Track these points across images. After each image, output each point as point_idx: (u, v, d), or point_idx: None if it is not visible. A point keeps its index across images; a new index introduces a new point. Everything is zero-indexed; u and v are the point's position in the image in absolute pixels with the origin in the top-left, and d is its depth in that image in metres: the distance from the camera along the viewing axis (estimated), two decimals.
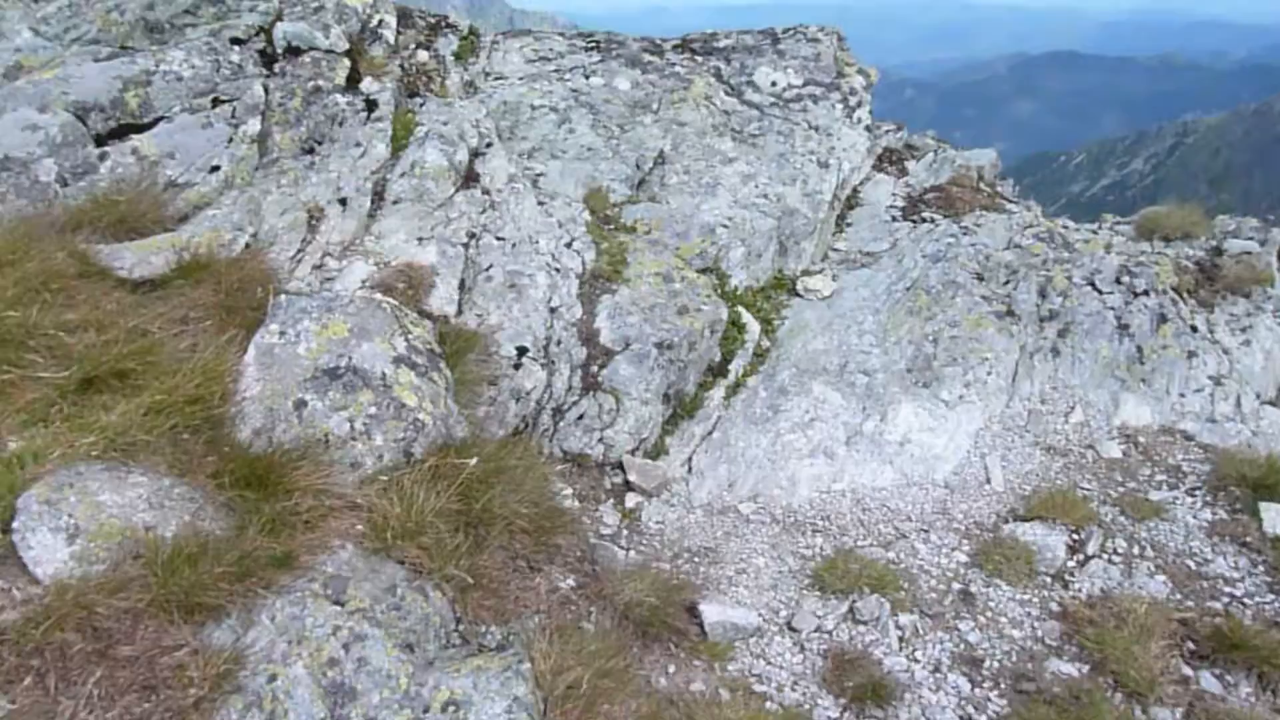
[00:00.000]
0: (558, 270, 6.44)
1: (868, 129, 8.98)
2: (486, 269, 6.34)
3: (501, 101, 8.03)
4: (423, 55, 8.40)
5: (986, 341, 6.62)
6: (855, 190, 8.59)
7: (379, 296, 5.47)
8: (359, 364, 4.84)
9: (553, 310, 6.19)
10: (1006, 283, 7.12)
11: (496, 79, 8.67)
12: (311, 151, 7.10)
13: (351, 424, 4.61)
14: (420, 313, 5.83)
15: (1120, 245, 7.69)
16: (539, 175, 7.41)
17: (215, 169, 6.78)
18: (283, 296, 5.17)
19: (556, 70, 8.67)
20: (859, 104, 9.10)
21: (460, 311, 5.99)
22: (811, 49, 9.41)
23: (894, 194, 8.54)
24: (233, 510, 4.25)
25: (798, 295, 7.32)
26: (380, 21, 8.16)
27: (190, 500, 4.21)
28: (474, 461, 4.77)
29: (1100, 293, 6.95)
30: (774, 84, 9.08)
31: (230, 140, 6.92)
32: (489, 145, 7.46)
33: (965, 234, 7.65)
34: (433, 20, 8.91)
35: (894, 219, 8.19)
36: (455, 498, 4.65)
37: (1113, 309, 6.84)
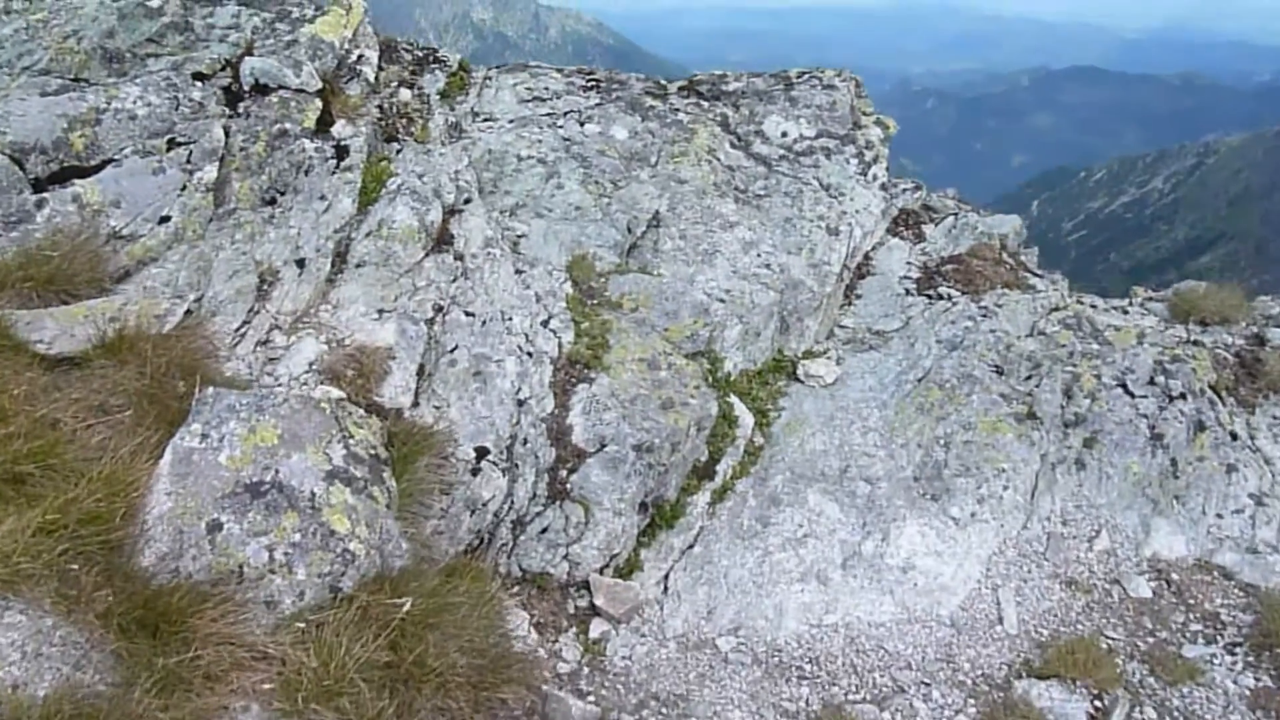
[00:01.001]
0: (530, 355, 5.80)
1: (884, 188, 8.32)
2: (450, 351, 5.71)
3: (486, 150, 7.39)
4: (405, 94, 7.77)
5: (1004, 449, 5.96)
6: (867, 257, 7.93)
7: (318, 394, 4.85)
8: (286, 479, 4.23)
9: (521, 403, 5.56)
10: (1029, 377, 6.46)
11: (485, 121, 8.03)
12: (273, 203, 6.49)
13: (271, 553, 4.00)
14: (369, 406, 5.20)
15: (1154, 333, 7.02)
16: (520, 237, 6.77)
17: (165, 220, 6.19)
18: (210, 390, 4.56)
19: (550, 114, 8.03)
20: (875, 159, 8.44)
21: (416, 403, 5.36)
22: (827, 97, 8.75)
23: (909, 263, 7.88)
24: (122, 661, 3.64)
25: (798, 380, 6.67)
26: (360, 57, 7.53)
27: (74, 647, 3.61)
28: (407, 605, 4.16)
29: (1132, 396, 6.28)
30: (784, 134, 8.42)
31: (184, 188, 6.32)
32: (467, 201, 6.82)
33: (985, 317, 6.99)
34: (420, 54, 8.28)
35: (908, 292, 7.53)
36: (384, 647, 4.05)
37: (1145, 416, 6.17)
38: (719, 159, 7.83)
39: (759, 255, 7.07)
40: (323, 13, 7.41)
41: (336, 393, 5.20)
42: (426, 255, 6.28)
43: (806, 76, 9.13)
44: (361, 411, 4.99)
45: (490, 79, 8.63)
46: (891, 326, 7.20)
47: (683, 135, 7.98)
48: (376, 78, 7.62)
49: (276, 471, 4.25)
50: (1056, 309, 7.21)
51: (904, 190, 8.54)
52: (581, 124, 7.89)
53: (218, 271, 6.02)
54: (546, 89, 8.51)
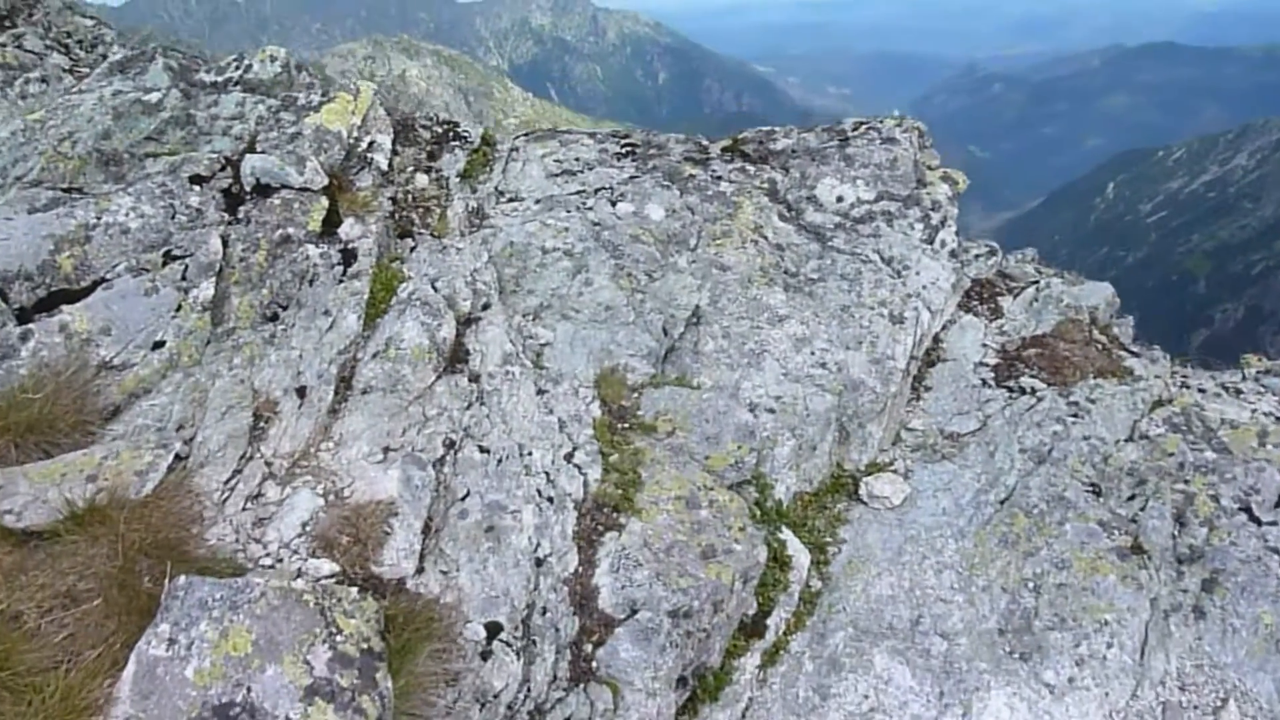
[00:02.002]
0: (551, 500, 5.11)
1: (953, 255, 7.45)
2: (461, 499, 5.04)
3: (508, 242, 6.72)
4: (422, 180, 7.15)
5: (1106, 594, 5.08)
6: (937, 339, 7.08)
7: (301, 584, 4.22)
8: (259, 700, 3.62)
9: (540, 562, 4.87)
10: (1132, 498, 5.56)
11: (510, 201, 7.37)
12: (274, 319, 5.92)
13: None
14: (366, 580, 4.56)
15: (1278, 431, 6.05)
16: (544, 345, 6.08)
17: (158, 345, 5.67)
18: (182, 580, 3.98)
19: (579, 191, 7.33)
20: (943, 221, 7.58)
21: (421, 568, 4.70)
22: (886, 153, 7.90)
23: (984, 344, 7.01)
24: None
25: (861, 502, 5.87)
26: (371, 144, 6.93)
27: None
28: None
29: (1259, 523, 5.35)
30: (840, 199, 7.61)
31: (179, 308, 5.80)
32: (486, 307, 6.17)
33: (1075, 418, 6.10)
34: (440, 130, 7.65)
35: (984, 383, 6.67)
36: None
37: (1275, 550, 5.24)
38: (766, 237, 7.05)
39: (813, 353, 6.28)
40: (329, 99, 6.83)
41: (328, 568, 4.59)
42: (438, 378, 5.64)
43: (863, 129, 8.29)
44: (354, 594, 4.35)
45: (517, 150, 7.97)
46: (967, 428, 6.35)
47: (725, 211, 7.22)
48: (390, 165, 7.02)
49: (248, 690, 3.64)
50: (1160, 403, 6.29)
51: (976, 256, 7.66)
52: (614, 203, 7.18)
53: (213, 405, 5.46)
54: (577, 159, 7.83)
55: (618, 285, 6.42)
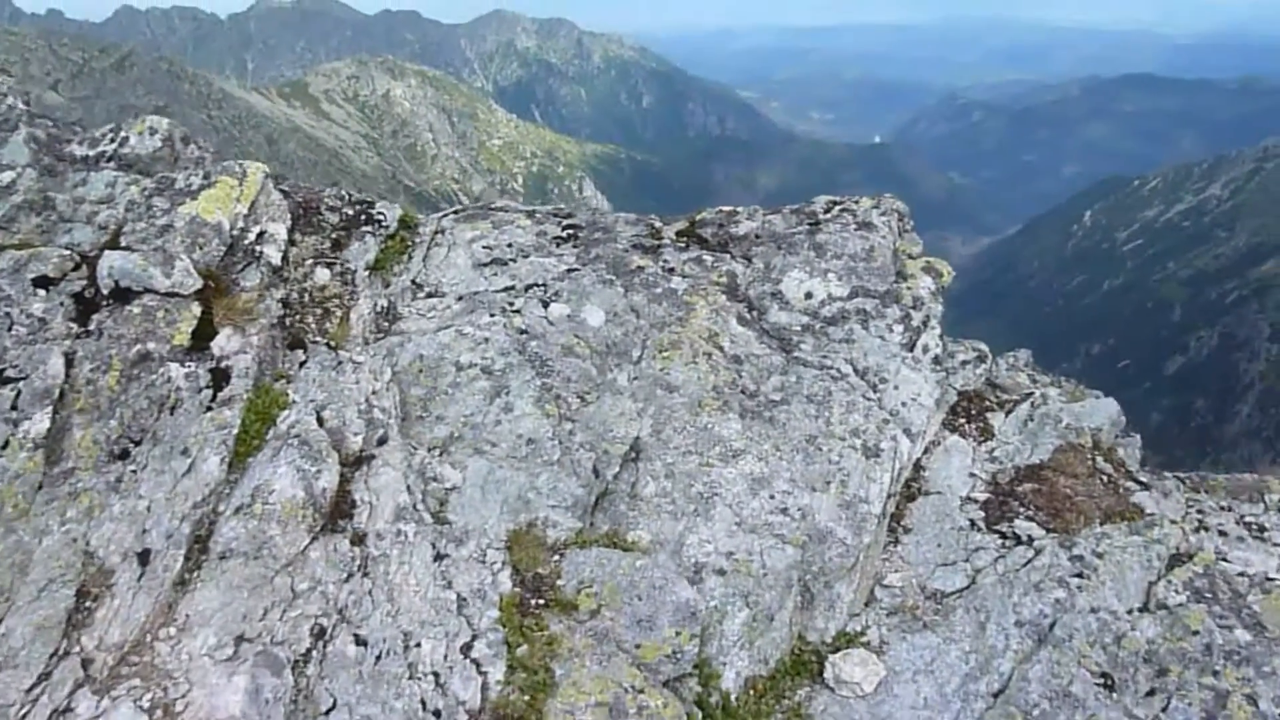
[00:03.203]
0: (438, 715, 4.09)
1: (937, 362, 6.51)
2: (325, 713, 4.02)
3: (417, 356, 5.72)
4: (323, 275, 6.15)
5: None
6: (918, 466, 6.12)
7: None
8: None
9: None
10: (1151, 693, 4.60)
11: (428, 296, 6.39)
12: (124, 456, 4.92)
13: None
14: None
15: None
16: (450, 490, 5.08)
17: None
18: None
19: (509, 288, 6.35)
20: (926, 322, 6.65)
21: None
22: (862, 241, 6.97)
23: (973, 474, 6.05)
24: None
25: (826, 687, 4.87)
26: (260, 235, 5.93)
27: None
28: None
29: None
30: (808, 296, 6.67)
31: (4, 445, 4.79)
32: (382, 441, 5.17)
33: (1080, 579, 5.14)
34: (351, 211, 6.65)
35: (973, 525, 5.71)
36: None
37: None
38: (722, 347, 6.08)
39: (772, 496, 5.31)
40: (210, 184, 5.83)
41: None
42: (314, 539, 4.62)
43: (836, 211, 7.36)
44: None
45: (443, 233, 6.98)
46: (953, 585, 5.38)
47: (676, 314, 6.26)
48: (284, 258, 6.02)
49: None
50: (1179, 558, 5.34)
51: (963, 363, 6.71)
52: (546, 303, 6.19)
53: (33, 575, 4.47)
54: (510, 245, 6.85)
55: (543, 411, 5.42)
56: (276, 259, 5.91)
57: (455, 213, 7.31)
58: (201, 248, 5.56)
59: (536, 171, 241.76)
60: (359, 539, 4.70)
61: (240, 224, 5.81)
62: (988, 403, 6.56)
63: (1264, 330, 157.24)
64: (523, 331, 5.92)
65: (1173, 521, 5.65)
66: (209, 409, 5.07)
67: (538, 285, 6.34)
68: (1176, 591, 5.09)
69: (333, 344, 5.76)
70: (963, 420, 6.43)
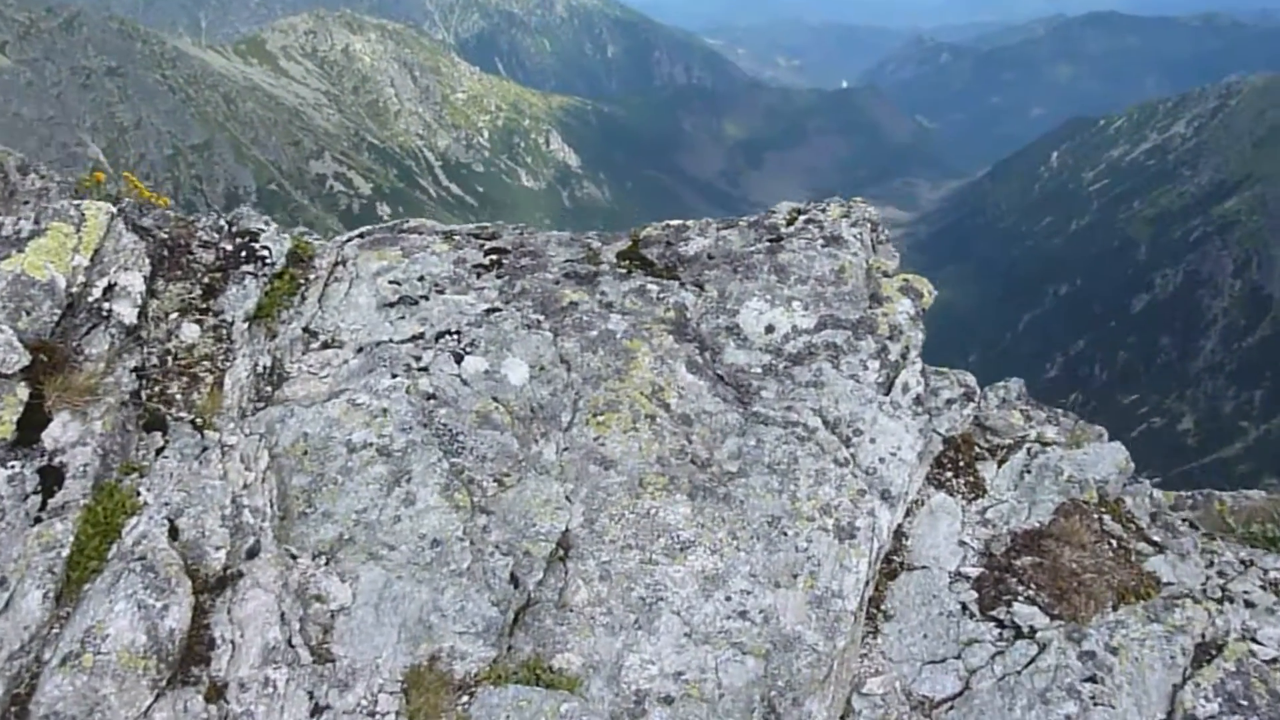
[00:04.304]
0: None
1: (919, 402, 5.64)
2: None
3: (301, 434, 4.76)
4: (191, 331, 5.15)
5: None
6: (901, 533, 5.28)
7: None
8: None
9: None
10: None
11: (323, 348, 5.41)
12: None
13: None
14: None
15: None
16: (336, 613, 4.16)
17: None
18: None
19: (417, 337, 5.38)
20: (905, 354, 5.77)
21: None
22: (830, 260, 6.04)
23: (963, 541, 5.22)
24: None
25: None
26: (109, 289, 4.91)
27: None
28: None
29: None
30: (770, 329, 5.75)
31: None
32: (253, 553, 4.24)
33: (1095, 688, 4.33)
34: (230, 247, 5.61)
35: (964, 609, 4.88)
36: None
37: None
38: (668, 405, 5.17)
39: (729, 597, 4.44)
40: (41, 231, 4.80)
41: None
42: (158, 697, 3.70)
43: (801, 222, 6.42)
44: None
45: (345, 264, 5.98)
46: (944, 689, 4.56)
47: (614, 364, 5.32)
48: (142, 314, 5.01)
49: None
50: (1206, 649, 4.54)
51: (949, 402, 5.84)
52: (460, 357, 5.23)
53: None
54: (423, 278, 5.87)
55: (452, 503, 4.50)
56: (131, 317, 4.90)
57: (361, 236, 6.31)
58: (29, 313, 4.55)
59: (502, 125, 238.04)
60: (217, 692, 3.79)
61: (81, 278, 4.79)
62: (978, 449, 5.71)
63: (1227, 267, 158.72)
64: (430, 396, 4.96)
65: (1195, 600, 4.85)
66: (37, 521, 4.12)
67: (451, 334, 5.37)
68: (1207, 698, 4.30)
69: (200, 420, 4.79)
70: (950, 473, 5.58)
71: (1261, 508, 6.82)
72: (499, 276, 5.95)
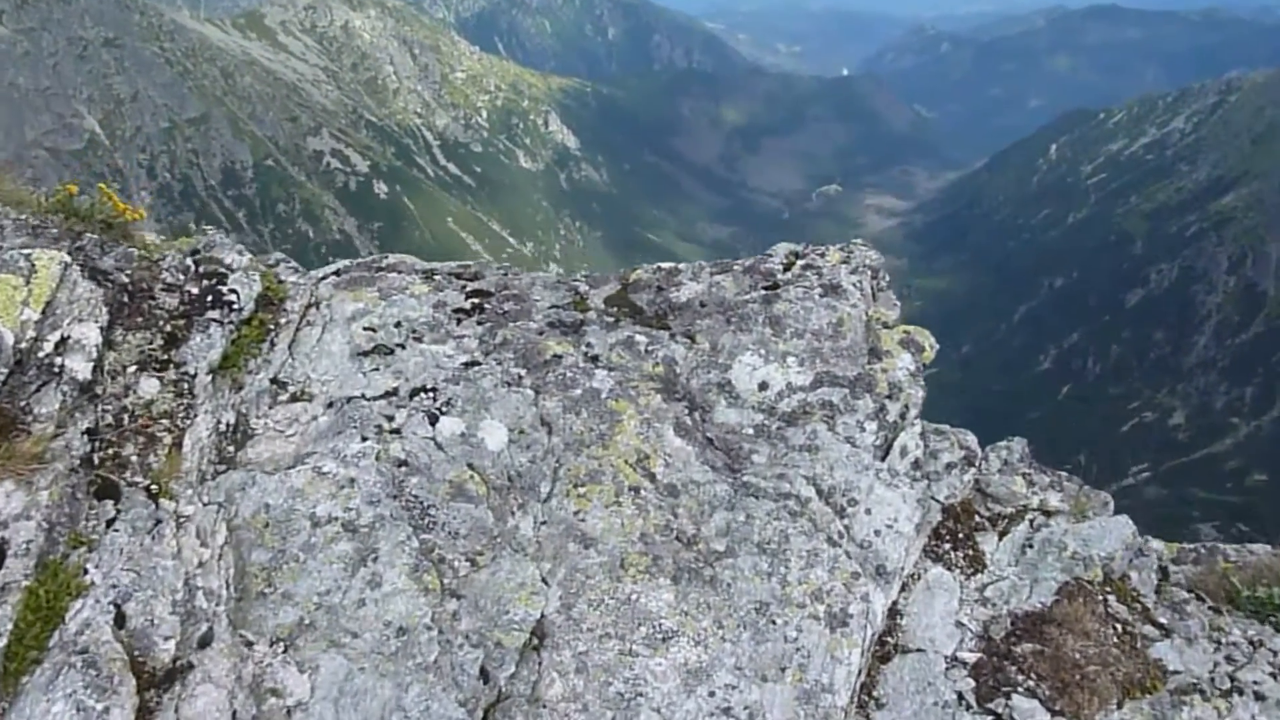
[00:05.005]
0: None
1: (916, 466, 5.38)
2: None
3: (262, 505, 4.48)
4: (149, 386, 4.86)
5: None
6: (895, 610, 5.02)
7: None
8: None
9: None
10: None
11: (291, 400, 5.12)
12: None
13: None
14: None
15: None
16: (292, 709, 3.90)
17: None
18: None
19: (389, 393, 5.10)
20: (904, 414, 5.51)
21: None
22: (828, 313, 5.77)
23: (960, 623, 4.96)
24: None
25: None
26: (62, 342, 4.61)
27: None
28: None
29: None
30: (763, 386, 5.48)
31: None
32: (205, 643, 3.96)
33: None
34: (196, 290, 5.30)
35: (960, 698, 4.63)
36: None
37: None
38: (654, 475, 4.89)
39: (712, 694, 4.18)
40: None
41: None
42: None
43: (799, 268, 6.14)
44: None
45: (319, 306, 5.68)
46: None
47: (598, 426, 5.04)
48: (98, 368, 4.71)
49: None
50: None
51: (948, 466, 5.57)
52: (435, 418, 4.95)
53: None
54: (400, 324, 5.57)
55: (420, 585, 4.23)
56: (85, 373, 4.61)
57: (338, 274, 6.00)
58: None
59: (501, 105, 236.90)
60: None
61: (31, 333, 4.49)
62: (977, 519, 5.45)
63: (1222, 263, 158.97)
64: (401, 463, 4.68)
65: (1204, 697, 4.61)
66: None
67: (426, 391, 5.09)
68: None
69: (156, 486, 4.50)
70: (948, 545, 5.32)
71: (1267, 565, 6.59)
72: (480, 323, 5.66)
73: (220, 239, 6.17)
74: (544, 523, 4.64)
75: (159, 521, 4.32)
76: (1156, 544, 6.31)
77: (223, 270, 5.49)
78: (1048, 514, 5.48)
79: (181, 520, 4.37)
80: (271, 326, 5.46)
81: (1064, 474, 5.81)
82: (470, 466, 4.74)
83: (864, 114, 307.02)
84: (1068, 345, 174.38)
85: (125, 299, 5.10)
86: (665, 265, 6.21)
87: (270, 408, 5.10)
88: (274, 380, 5.24)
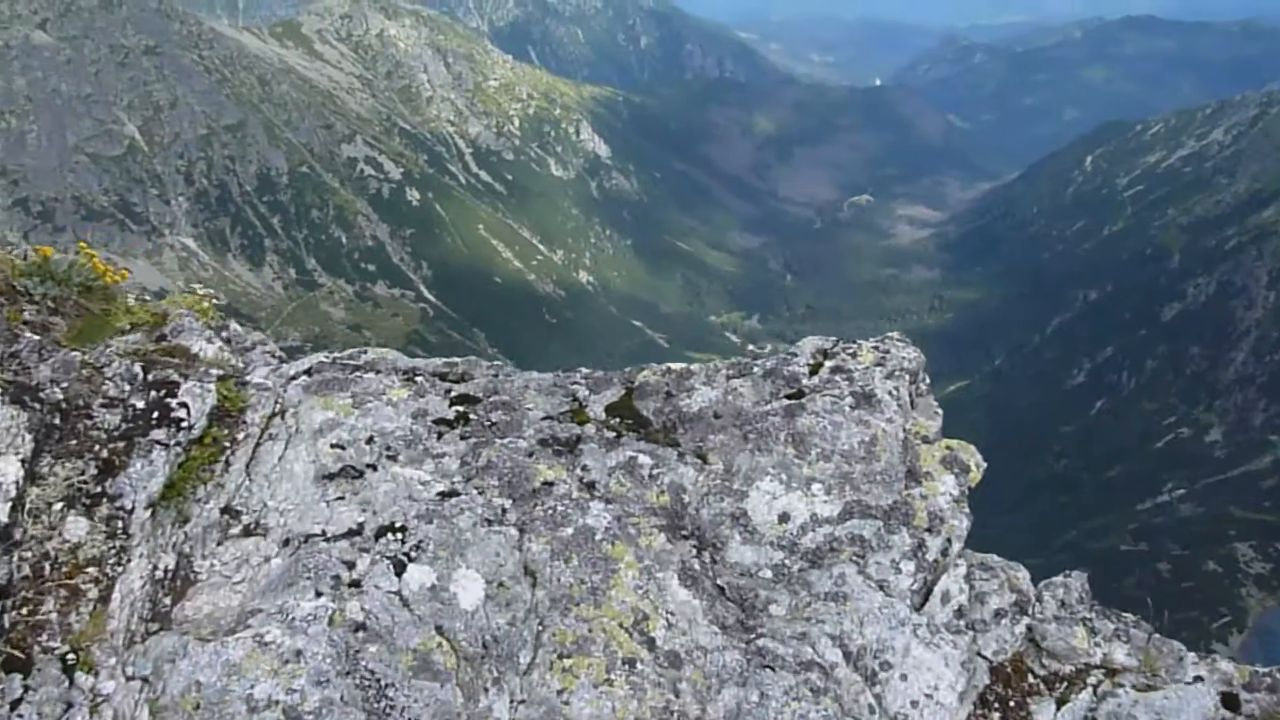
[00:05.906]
0: None
1: (960, 614, 4.66)
2: None
3: (193, 683, 3.83)
4: (78, 527, 4.22)
5: None
6: None
7: None
8: None
9: None
10: None
11: (244, 535, 4.49)
12: None
13: None
14: None
15: None
16: None
17: None
18: None
19: (353, 531, 4.45)
20: (946, 550, 4.78)
21: None
22: (861, 430, 5.04)
23: None
24: None
25: None
26: None
27: None
28: None
29: None
30: (784, 518, 4.78)
31: None
32: None
33: None
34: (141, 404, 4.67)
35: None
36: None
37: None
38: (654, 640, 4.20)
39: None
40: None
41: None
42: None
43: (827, 372, 5.41)
44: None
45: (284, 415, 5.04)
46: None
47: (591, 578, 4.35)
48: (18, 506, 4.09)
49: None
50: None
51: (997, 614, 4.82)
52: (402, 567, 4.29)
53: None
54: (373, 439, 4.92)
55: None
56: (1, 515, 3.99)
57: (309, 374, 5.36)
58: None
59: (533, 114, 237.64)
60: None
61: None
62: (1030, 681, 4.70)
63: (1262, 278, 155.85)
64: (359, 627, 4.02)
65: None
66: None
67: (394, 530, 4.42)
68: None
69: (75, 655, 3.87)
70: (997, 715, 4.58)
71: None
72: (464, 437, 4.99)
73: (190, 322, 5.58)
74: (522, 702, 3.96)
75: (70, 706, 3.68)
76: (1225, 665, 5.54)
77: (174, 379, 4.86)
78: (1113, 672, 4.73)
79: (98, 701, 3.73)
80: (227, 444, 4.82)
81: (1130, 618, 5.05)
82: (439, 630, 4.06)
83: (896, 124, 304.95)
84: (1101, 359, 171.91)
85: (57, 420, 4.48)
86: (676, 367, 5.52)
87: (219, 544, 4.47)
88: (225, 509, 4.60)
